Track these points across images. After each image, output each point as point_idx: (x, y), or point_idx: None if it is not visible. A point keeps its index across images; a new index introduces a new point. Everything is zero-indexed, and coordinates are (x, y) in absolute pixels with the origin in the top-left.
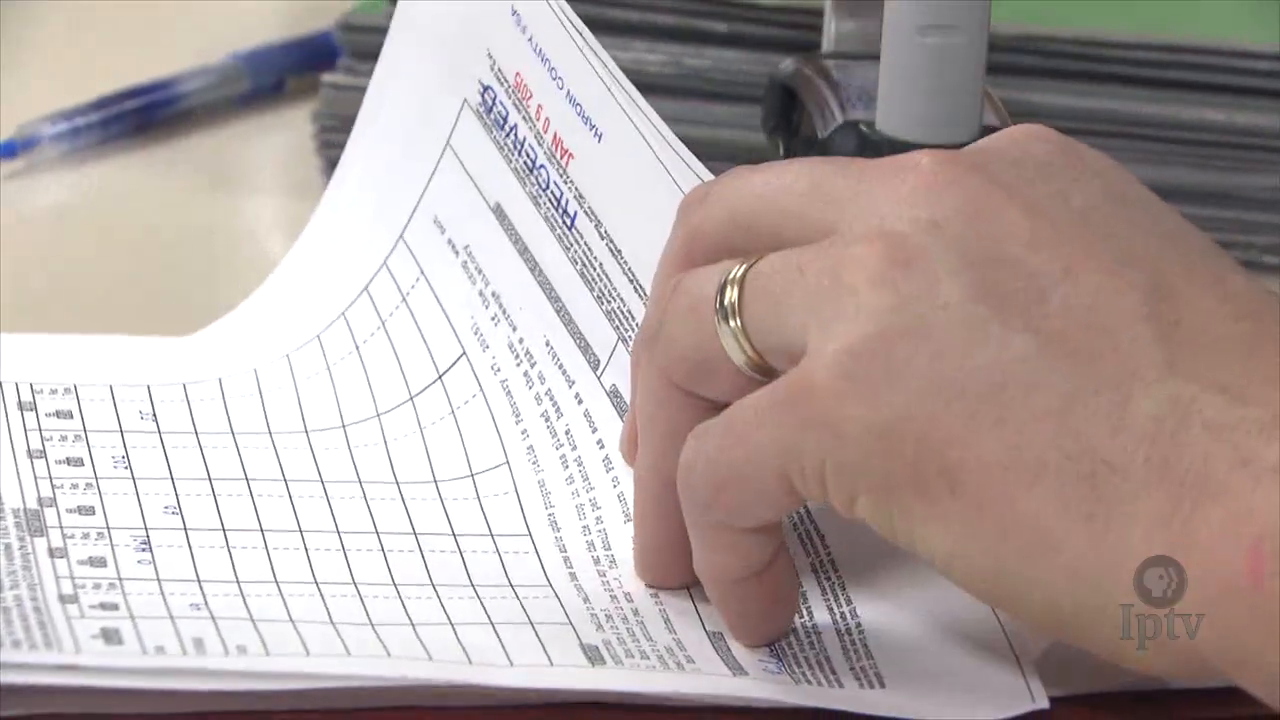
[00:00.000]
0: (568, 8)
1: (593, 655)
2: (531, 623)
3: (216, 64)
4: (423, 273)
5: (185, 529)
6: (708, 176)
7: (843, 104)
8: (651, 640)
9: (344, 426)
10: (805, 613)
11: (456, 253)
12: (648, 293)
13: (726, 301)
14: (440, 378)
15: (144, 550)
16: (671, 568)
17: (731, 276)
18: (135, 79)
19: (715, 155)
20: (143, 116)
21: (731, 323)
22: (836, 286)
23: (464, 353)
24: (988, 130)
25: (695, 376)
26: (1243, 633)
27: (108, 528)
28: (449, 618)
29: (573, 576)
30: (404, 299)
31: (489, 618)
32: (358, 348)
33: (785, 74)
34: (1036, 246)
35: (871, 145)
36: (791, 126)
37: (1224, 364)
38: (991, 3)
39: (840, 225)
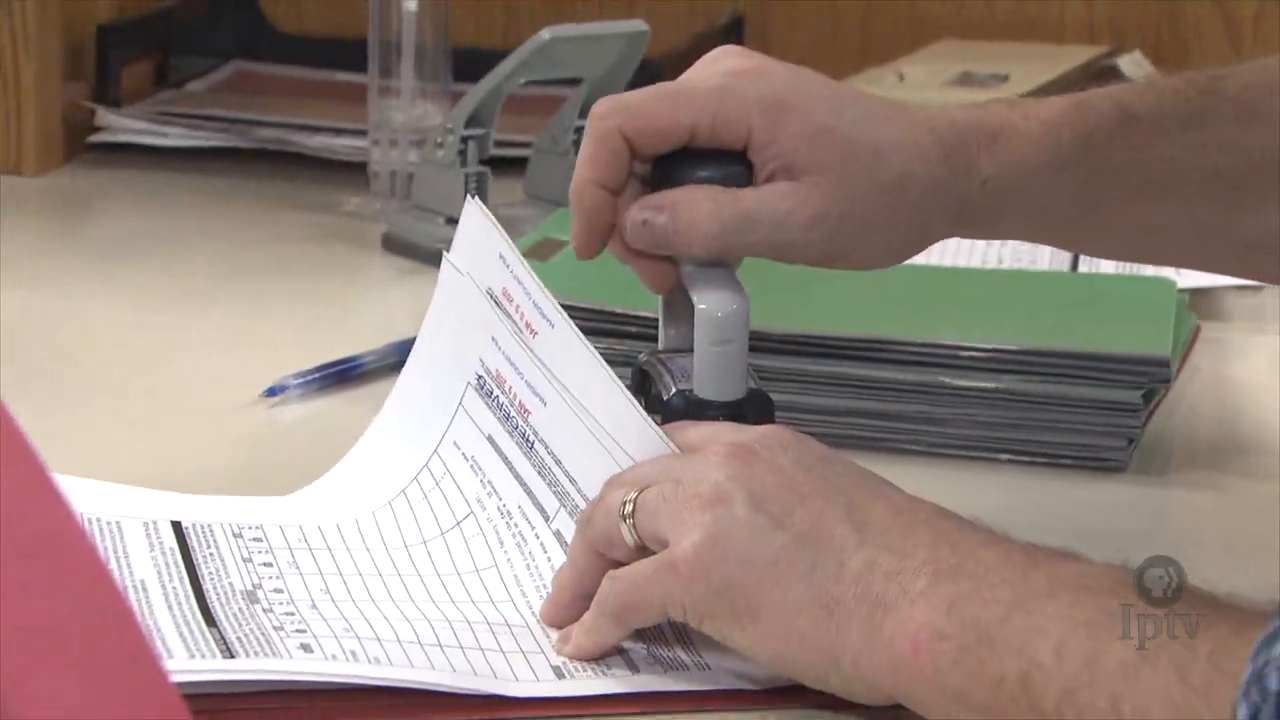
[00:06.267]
0: (521, 340)
1: (559, 671)
2: (523, 651)
3: (382, 347)
4: (448, 470)
5: (332, 599)
6: (608, 427)
7: (674, 379)
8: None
9: (406, 546)
10: (683, 653)
11: (467, 460)
12: (577, 480)
13: (625, 512)
14: (459, 524)
15: (314, 608)
16: (562, 620)
17: (628, 498)
18: (339, 354)
19: None
20: (343, 374)
21: (628, 522)
22: (683, 511)
23: (471, 512)
24: (752, 392)
25: (605, 546)
26: (914, 686)
27: (292, 599)
28: (479, 644)
29: (541, 628)
30: (437, 484)
31: (500, 646)
32: (397, 516)
33: (641, 361)
34: (783, 486)
35: (693, 403)
36: (646, 390)
37: (891, 539)
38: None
39: (683, 478)
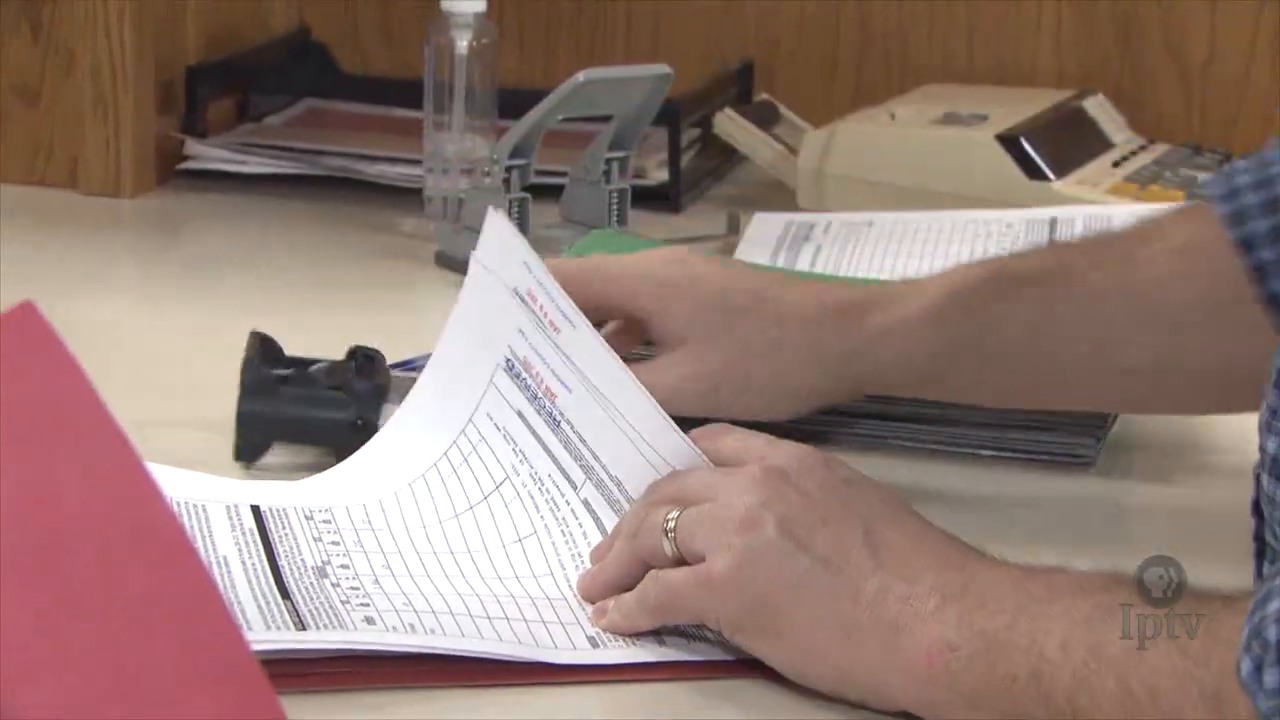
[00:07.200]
0: (546, 334)
1: (593, 641)
2: (561, 623)
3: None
4: (483, 437)
5: (393, 574)
6: (629, 417)
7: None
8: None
9: (456, 515)
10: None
11: (499, 430)
12: (600, 457)
13: (668, 529)
14: (497, 488)
15: (376, 583)
16: (599, 597)
17: (670, 515)
18: (397, 358)
19: None
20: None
21: (669, 536)
22: (719, 531)
23: (506, 477)
24: None
25: (648, 555)
26: (930, 695)
27: (357, 574)
28: (523, 616)
29: (577, 601)
30: (474, 449)
31: (542, 617)
32: (444, 481)
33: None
34: (808, 510)
35: None
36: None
37: (904, 565)
38: None
39: (720, 497)
